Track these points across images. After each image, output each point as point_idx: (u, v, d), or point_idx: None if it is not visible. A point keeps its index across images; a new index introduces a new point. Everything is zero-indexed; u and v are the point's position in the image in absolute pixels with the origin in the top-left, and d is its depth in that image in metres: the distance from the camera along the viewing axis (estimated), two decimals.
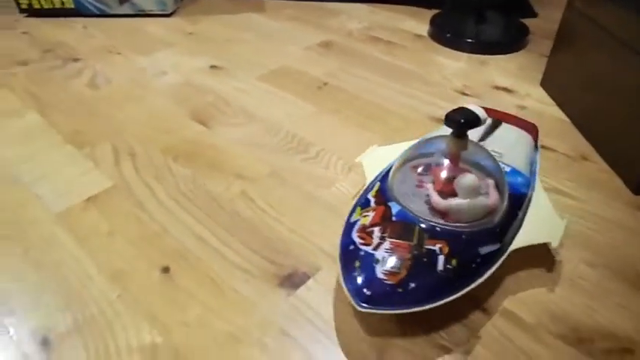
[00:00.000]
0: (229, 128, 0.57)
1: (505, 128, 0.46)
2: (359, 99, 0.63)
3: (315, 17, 0.91)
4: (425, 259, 0.32)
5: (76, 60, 0.75)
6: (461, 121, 0.33)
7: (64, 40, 0.82)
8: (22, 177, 0.49)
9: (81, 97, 0.64)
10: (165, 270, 0.39)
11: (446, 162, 0.36)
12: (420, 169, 0.38)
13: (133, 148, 0.54)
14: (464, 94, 0.65)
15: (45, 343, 0.33)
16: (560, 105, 0.61)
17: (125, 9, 0.91)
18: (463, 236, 0.33)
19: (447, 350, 0.33)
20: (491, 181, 0.37)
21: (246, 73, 0.70)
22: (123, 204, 0.46)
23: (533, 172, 0.42)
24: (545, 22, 0.89)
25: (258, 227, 0.43)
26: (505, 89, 0.66)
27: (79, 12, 0.91)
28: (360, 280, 0.31)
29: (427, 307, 0.30)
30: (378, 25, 0.87)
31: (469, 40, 0.78)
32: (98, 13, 0.91)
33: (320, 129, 0.57)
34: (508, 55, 0.77)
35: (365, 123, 0.58)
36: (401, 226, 0.33)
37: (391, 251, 0.32)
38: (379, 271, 0.31)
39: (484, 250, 0.33)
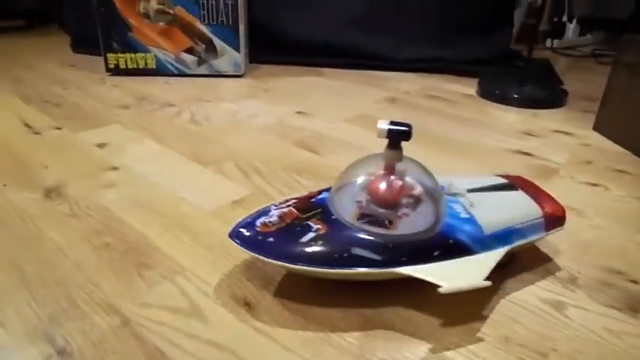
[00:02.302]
0: (336, 154, 0.64)
1: (516, 195, 0.42)
2: (441, 137, 0.71)
3: (371, 81, 1.03)
4: (297, 229, 0.36)
5: (171, 105, 0.83)
6: (396, 131, 0.36)
7: (152, 92, 0.91)
8: (164, 185, 0.54)
9: (187, 130, 0.71)
10: None
11: (382, 173, 0.37)
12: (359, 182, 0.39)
13: (255, 166, 0.59)
14: (529, 134, 0.74)
15: (248, 304, 0.36)
16: (618, 142, 0.70)
17: (202, 70, 1.01)
18: (345, 232, 0.36)
19: (618, 309, 0.37)
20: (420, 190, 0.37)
21: (331, 117, 0.78)
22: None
23: (503, 240, 0.38)
24: (572, 87, 1.02)
25: None
26: (564, 132, 0.75)
27: (159, 72, 1.01)
28: (244, 221, 0.38)
29: (272, 261, 0.35)
30: (429, 87, 0.99)
31: (515, 96, 0.89)
32: (177, 72, 1.01)
33: (420, 157, 0.63)
34: (551, 110, 0.87)
35: (457, 153, 0.65)
36: (309, 205, 0.38)
37: (281, 213, 0.38)
38: (259, 221, 0.37)
39: (357, 251, 0.35)
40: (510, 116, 0.83)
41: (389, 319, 0.35)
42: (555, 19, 1.54)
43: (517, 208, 0.40)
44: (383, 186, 0.36)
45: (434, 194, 0.38)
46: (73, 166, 0.58)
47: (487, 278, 0.34)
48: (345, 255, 0.34)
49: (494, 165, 0.62)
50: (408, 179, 0.37)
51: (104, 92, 0.90)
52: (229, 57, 1.00)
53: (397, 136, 0.36)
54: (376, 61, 1.11)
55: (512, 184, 0.44)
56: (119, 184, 0.54)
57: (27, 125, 0.71)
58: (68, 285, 0.37)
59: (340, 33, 1.11)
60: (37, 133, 0.69)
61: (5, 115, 0.76)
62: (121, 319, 0.34)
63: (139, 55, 1.00)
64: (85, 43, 1.20)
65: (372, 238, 0.35)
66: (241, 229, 0.37)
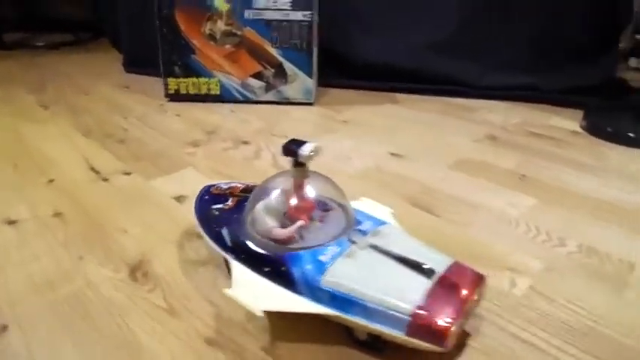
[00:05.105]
0: (459, 216, 0.53)
1: (412, 279, 0.34)
2: (569, 192, 0.60)
3: (457, 111, 0.92)
4: (221, 198, 0.44)
5: (245, 142, 0.74)
6: (297, 150, 0.37)
7: (219, 123, 0.82)
8: None
9: None
10: None
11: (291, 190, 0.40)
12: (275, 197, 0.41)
13: None
14: None
15: None
16: None
17: (269, 96, 0.92)
18: (232, 215, 0.41)
19: None
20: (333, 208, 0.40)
21: (432, 161, 0.68)
22: None
23: (337, 303, 0.33)
24: None
25: (576, 326, 0.37)
26: None
27: (222, 98, 0.93)
28: (215, 184, 0.48)
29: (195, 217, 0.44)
30: (527, 122, 0.87)
31: (631, 135, 0.77)
32: (242, 99, 0.93)
33: (558, 222, 0.53)
34: None
35: (601, 216, 0.54)
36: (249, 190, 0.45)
37: (233, 186, 0.47)
38: (217, 186, 0.47)
39: (223, 232, 0.40)
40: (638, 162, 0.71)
41: None
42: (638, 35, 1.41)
43: (387, 287, 0.33)
44: (294, 201, 0.39)
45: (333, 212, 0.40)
46: (154, 231, 0.49)
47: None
48: (216, 229, 0.41)
49: None
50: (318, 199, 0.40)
51: (167, 123, 0.82)
52: (300, 83, 0.91)
53: (295, 154, 0.38)
54: (456, 87, 1.00)
55: (435, 271, 0.34)
56: (213, 259, 0.45)
57: (93, 169, 0.63)
58: None
59: (416, 56, 1.00)
60: (105, 179, 0.60)
61: (69, 154, 0.68)
62: None
63: (202, 80, 0.91)
64: (138, 63, 1.13)
65: (233, 226, 0.40)
66: (202, 191, 0.47)
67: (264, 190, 0.41)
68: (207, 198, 0.45)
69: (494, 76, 0.98)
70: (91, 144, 0.72)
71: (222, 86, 0.92)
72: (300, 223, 0.38)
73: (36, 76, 1.13)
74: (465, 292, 0.33)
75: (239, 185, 0.47)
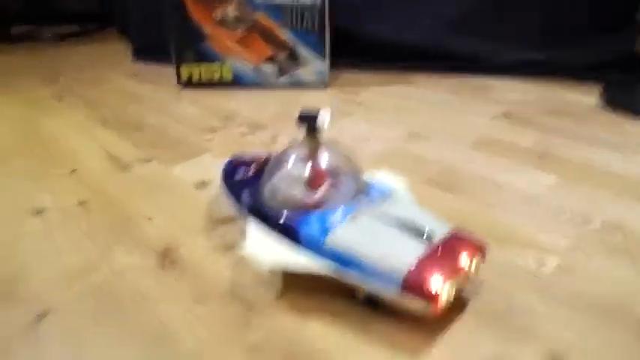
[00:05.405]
0: (481, 196, 0.53)
1: (409, 242, 0.35)
2: (590, 169, 0.59)
3: (473, 90, 0.91)
4: (243, 167, 0.49)
5: (261, 127, 0.74)
6: (313, 117, 0.40)
7: (234, 108, 0.82)
8: None
9: None
10: None
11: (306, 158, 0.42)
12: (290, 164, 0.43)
13: None
14: None
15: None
16: None
17: (283, 80, 0.92)
18: (251, 181, 0.46)
19: None
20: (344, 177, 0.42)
21: (453, 141, 0.67)
22: None
23: (338, 261, 0.35)
24: None
25: (604, 304, 0.37)
26: None
27: (235, 83, 0.92)
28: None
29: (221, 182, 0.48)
30: (545, 98, 0.86)
31: None
32: (255, 84, 0.92)
33: (580, 199, 0.52)
34: None
35: (623, 192, 0.53)
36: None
37: (258, 157, 0.50)
38: (245, 157, 0.52)
39: (244, 195, 0.44)
40: None
41: None
42: None
43: (386, 250, 0.35)
44: (311, 168, 0.41)
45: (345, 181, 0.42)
46: (178, 218, 0.50)
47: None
48: (238, 192, 0.45)
49: None
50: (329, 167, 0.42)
51: (183, 110, 0.82)
52: (313, 66, 0.90)
53: (312, 121, 0.40)
54: (472, 64, 0.99)
55: (433, 237, 0.36)
56: (238, 243, 0.45)
57: (113, 158, 0.63)
58: None
59: (431, 34, 0.99)
60: (126, 168, 0.61)
61: (88, 144, 0.69)
62: None
63: (215, 66, 0.91)
64: (148, 51, 1.12)
65: (252, 191, 0.44)
66: (231, 159, 0.51)
67: (280, 160, 0.43)
68: (233, 166, 0.50)
69: (510, 53, 0.97)
70: (109, 133, 0.72)
71: (235, 71, 0.91)
72: (325, 186, 0.41)
73: (47, 67, 1.13)
74: (460, 258, 0.34)
75: (262, 156, 0.51)
